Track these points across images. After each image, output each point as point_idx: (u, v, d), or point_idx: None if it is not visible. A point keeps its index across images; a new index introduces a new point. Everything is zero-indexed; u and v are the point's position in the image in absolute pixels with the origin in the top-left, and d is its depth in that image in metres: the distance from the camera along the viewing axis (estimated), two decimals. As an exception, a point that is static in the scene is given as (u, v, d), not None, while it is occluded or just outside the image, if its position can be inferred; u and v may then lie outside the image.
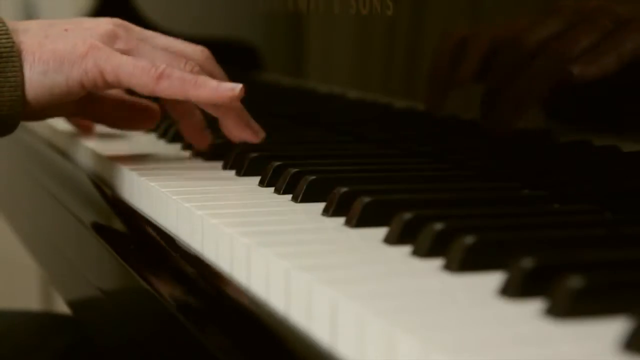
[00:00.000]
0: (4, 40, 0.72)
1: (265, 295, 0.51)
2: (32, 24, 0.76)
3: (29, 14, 1.93)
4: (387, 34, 0.84)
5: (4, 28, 0.73)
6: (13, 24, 0.74)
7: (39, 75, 0.73)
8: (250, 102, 0.90)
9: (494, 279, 0.46)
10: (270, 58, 1.09)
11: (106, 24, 0.76)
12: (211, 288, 0.57)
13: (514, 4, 0.70)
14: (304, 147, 0.85)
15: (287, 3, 0.99)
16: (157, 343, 0.61)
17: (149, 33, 0.79)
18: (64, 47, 0.73)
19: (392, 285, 0.47)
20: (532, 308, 0.43)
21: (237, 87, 0.74)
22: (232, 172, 0.76)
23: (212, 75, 0.77)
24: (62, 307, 0.93)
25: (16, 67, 0.72)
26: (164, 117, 0.91)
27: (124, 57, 0.73)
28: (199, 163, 0.82)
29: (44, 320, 1.04)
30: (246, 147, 0.78)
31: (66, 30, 0.75)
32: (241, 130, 0.78)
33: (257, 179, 0.72)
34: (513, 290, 0.44)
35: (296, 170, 0.68)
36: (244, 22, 1.14)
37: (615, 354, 0.38)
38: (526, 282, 0.44)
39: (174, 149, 0.88)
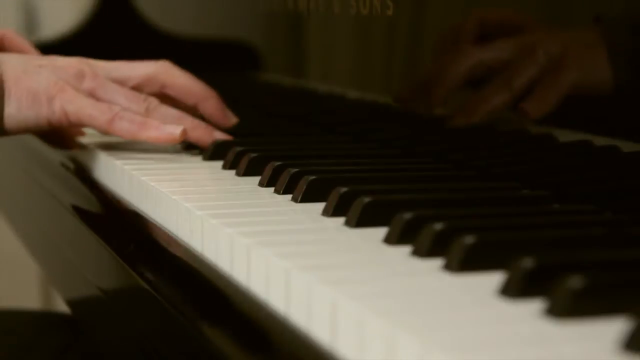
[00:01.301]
0: None
1: (265, 295, 0.51)
2: (12, 58, 0.85)
3: (30, 15, 1.93)
4: (387, 34, 0.84)
5: None
6: None
7: (13, 110, 0.82)
8: (251, 102, 0.91)
9: (494, 279, 0.46)
10: (270, 58, 1.09)
11: (76, 63, 0.85)
12: (210, 288, 0.57)
13: (510, 4, 0.70)
14: (304, 147, 0.85)
15: (287, 3, 0.99)
16: (156, 342, 0.61)
17: (112, 66, 0.88)
18: (37, 86, 0.82)
19: (392, 285, 0.47)
20: (532, 308, 0.43)
21: (176, 130, 0.82)
22: (232, 172, 0.76)
23: (175, 86, 0.87)
24: (62, 307, 0.93)
25: (1, 96, 0.82)
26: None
27: (86, 100, 0.83)
28: (199, 163, 0.82)
29: (42, 319, 1.04)
30: (246, 147, 0.78)
31: (40, 66, 0.84)
32: (218, 117, 0.87)
33: (257, 179, 0.72)
34: (513, 290, 0.44)
35: (296, 170, 0.68)
36: (244, 22, 1.14)
37: (615, 354, 0.38)
38: (526, 282, 0.44)
39: (174, 149, 0.88)
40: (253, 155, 0.75)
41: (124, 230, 0.73)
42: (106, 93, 0.85)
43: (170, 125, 0.83)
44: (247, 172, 0.74)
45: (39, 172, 0.99)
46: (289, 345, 0.47)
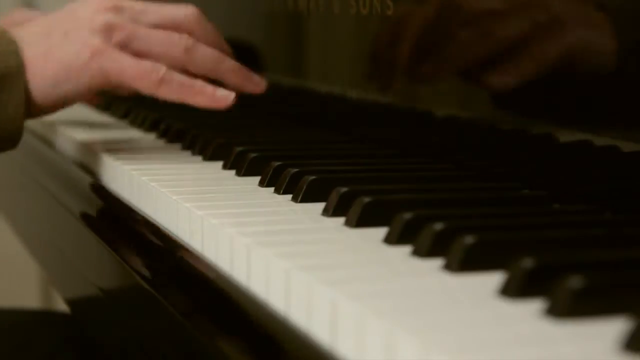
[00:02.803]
0: (12, 61, 0.76)
1: (265, 295, 0.51)
2: (32, 36, 0.78)
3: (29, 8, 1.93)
4: (387, 34, 0.84)
5: (13, 47, 0.76)
6: (19, 38, 0.77)
7: (49, 87, 0.77)
8: (251, 102, 0.91)
9: (494, 279, 0.46)
10: (270, 58, 1.09)
11: (100, 13, 0.79)
12: (210, 288, 0.57)
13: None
14: (304, 147, 0.85)
15: (287, 3, 0.99)
16: (155, 341, 0.61)
17: (139, 8, 0.81)
18: (69, 56, 0.77)
19: (392, 285, 0.47)
20: (532, 308, 0.43)
21: (230, 96, 0.79)
22: (232, 172, 0.76)
23: (204, 38, 0.82)
24: (62, 306, 0.93)
25: (21, 86, 0.75)
26: (164, 117, 0.91)
27: (127, 60, 0.77)
28: (199, 163, 0.82)
29: (42, 318, 1.04)
30: (246, 147, 0.78)
31: (66, 33, 0.78)
32: (242, 85, 0.83)
33: (257, 179, 0.72)
34: (513, 290, 0.44)
35: (296, 170, 0.68)
36: (244, 22, 1.14)
37: (615, 354, 0.38)
38: (526, 282, 0.44)
39: (174, 149, 0.88)
40: (253, 155, 0.75)
41: (123, 230, 0.73)
42: (139, 43, 0.79)
43: (221, 90, 0.79)
44: (247, 172, 0.74)
45: (38, 172, 0.99)
46: (289, 345, 0.47)
